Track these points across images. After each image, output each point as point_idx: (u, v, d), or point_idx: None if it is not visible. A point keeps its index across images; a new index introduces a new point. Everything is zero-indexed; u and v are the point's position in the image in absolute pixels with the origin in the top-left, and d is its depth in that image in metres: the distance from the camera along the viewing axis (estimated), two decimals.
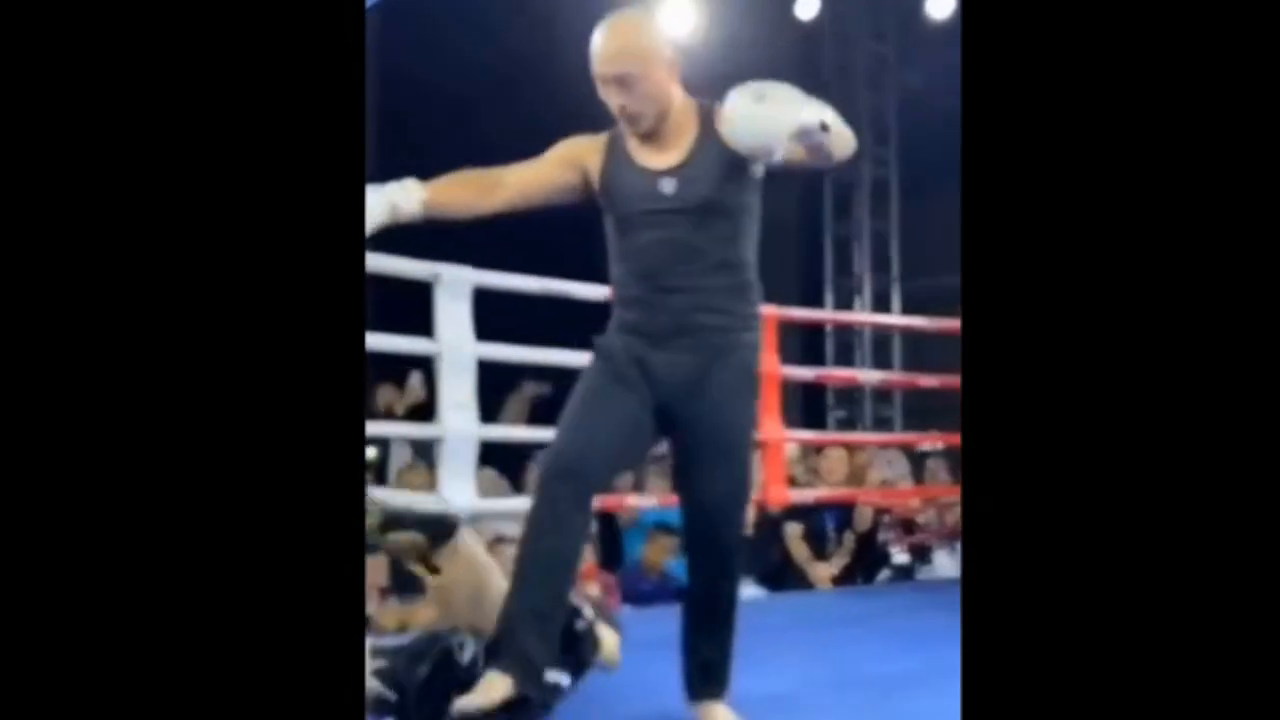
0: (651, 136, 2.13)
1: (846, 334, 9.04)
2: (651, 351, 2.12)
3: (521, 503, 4.71)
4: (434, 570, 2.27)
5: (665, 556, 5.12)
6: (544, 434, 4.86)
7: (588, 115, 2.23)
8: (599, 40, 2.08)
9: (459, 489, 3.60)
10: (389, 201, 2.03)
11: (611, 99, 2.10)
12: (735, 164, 2.06)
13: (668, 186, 2.10)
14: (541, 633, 2.01)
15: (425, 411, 5.16)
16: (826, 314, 8.63)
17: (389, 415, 5.24)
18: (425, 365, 3.82)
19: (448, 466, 3.62)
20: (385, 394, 5.44)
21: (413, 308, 3.80)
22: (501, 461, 5.26)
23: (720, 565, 2.16)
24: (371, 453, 5.35)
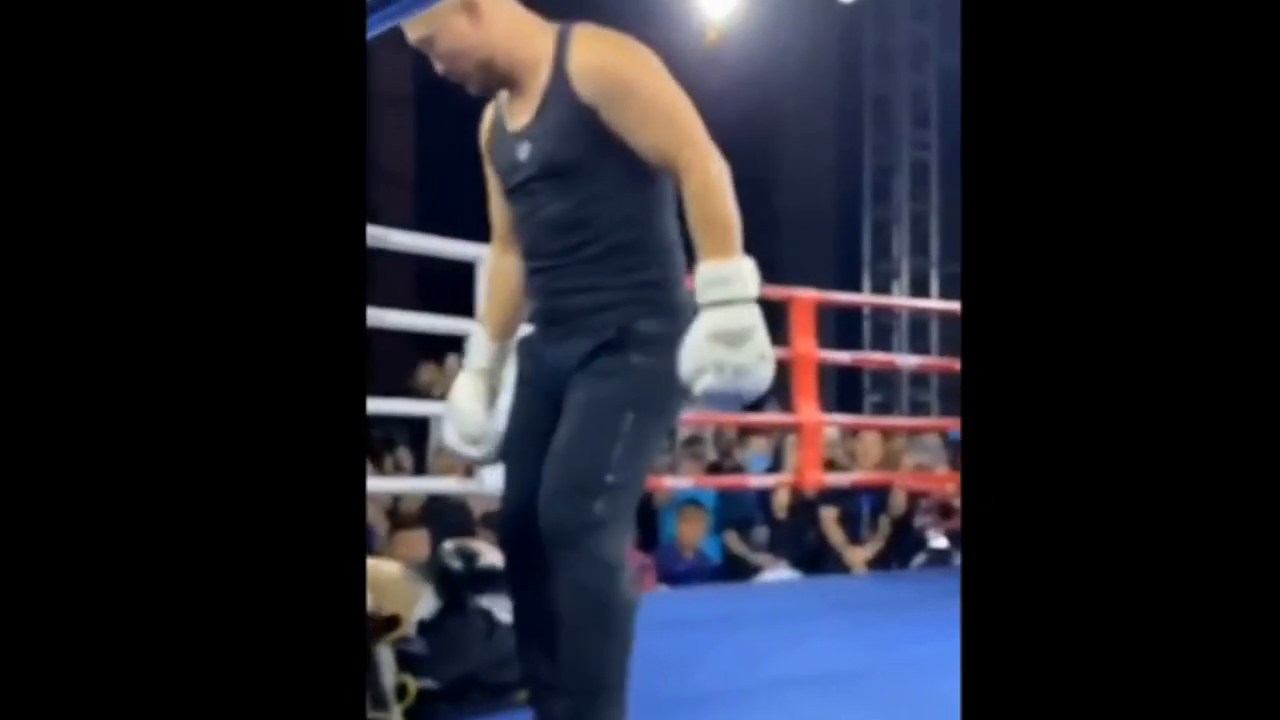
0: (512, 92, 1.78)
1: (884, 318, 9.03)
2: (544, 346, 1.81)
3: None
4: None
5: (698, 532, 5.17)
6: None
7: None
8: None
9: (497, 469, 3.65)
10: (475, 370, 1.93)
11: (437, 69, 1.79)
12: (585, 112, 1.70)
13: (523, 151, 1.75)
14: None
15: None
16: (864, 297, 8.61)
17: (429, 395, 5.31)
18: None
19: None
20: (428, 373, 5.52)
21: (458, 288, 3.85)
22: None
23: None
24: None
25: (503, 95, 1.80)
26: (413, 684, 2.22)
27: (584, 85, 1.69)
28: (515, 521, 1.78)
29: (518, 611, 1.82)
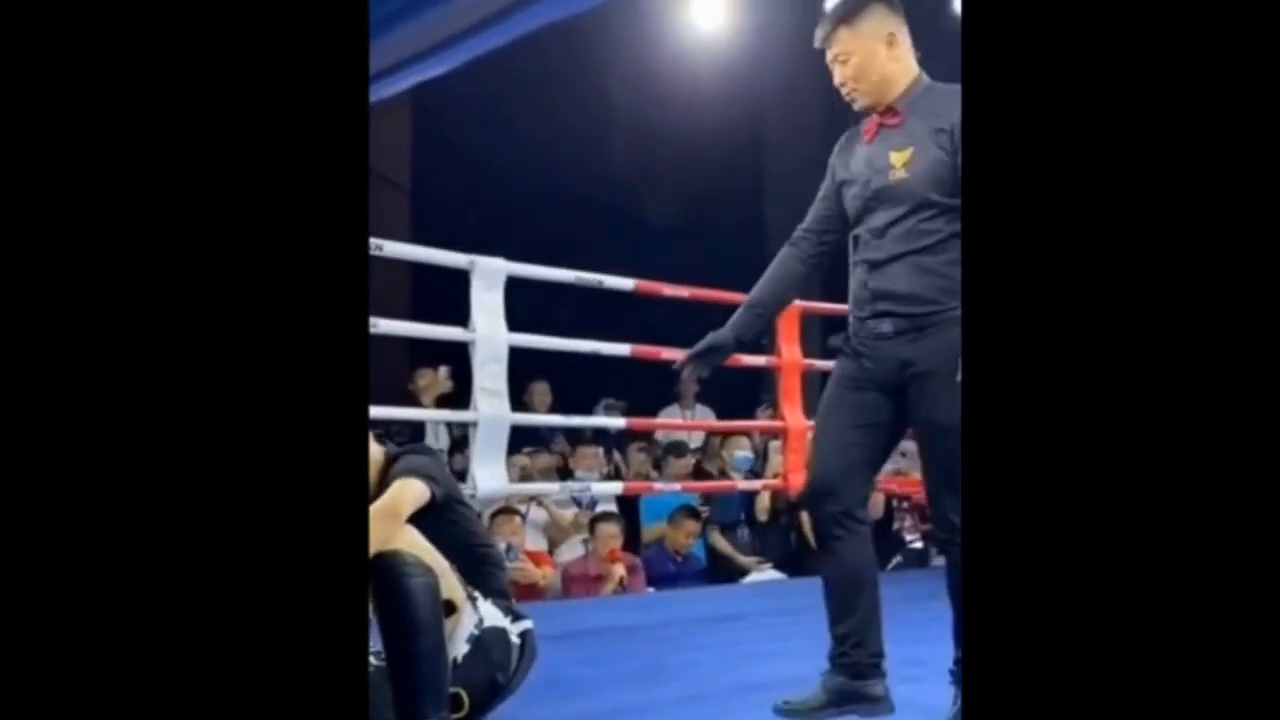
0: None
1: None
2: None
3: (546, 487, 4.88)
4: None
5: (689, 539, 5.27)
6: (572, 421, 5.05)
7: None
8: None
9: (491, 473, 3.76)
10: None
11: None
12: None
13: None
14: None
15: (452, 401, 5.36)
16: (848, 307, 8.69)
17: (422, 401, 5.45)
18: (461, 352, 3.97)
19: (480, 451, 3.77)
20: (424, 378, 5.64)
21: (452, 297, 3.95)
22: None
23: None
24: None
25: None
26: (465, 696, 2.17)
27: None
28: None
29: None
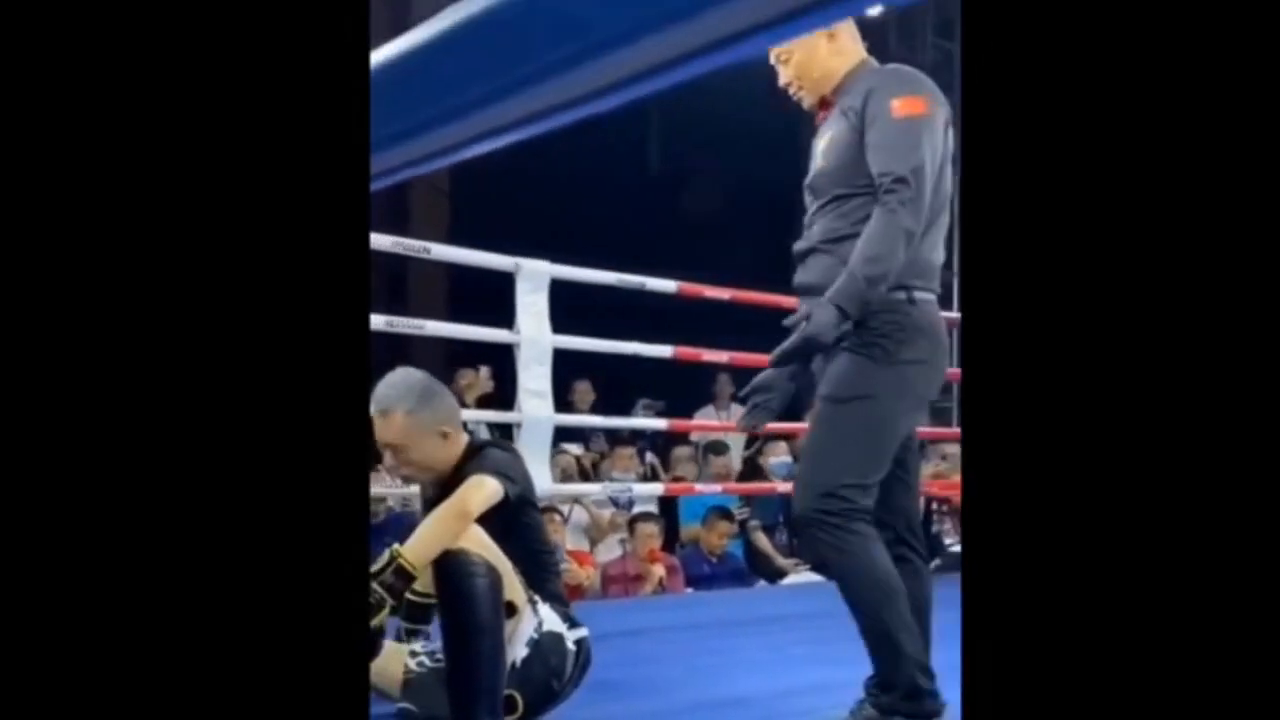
0: None
1: None
2: None
3: (588, 488, 4.92)
4: None
5: (723, 540, 5.29)
6: (613, 422, 5.09)
7: None
8: None
9: (535, 472, 3.80)
10: None
11: None
12: None
13: None
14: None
15: (492, 401, 5.42)
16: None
17: (465, 401, 5.50)
18: (505, 354, 4.01)
19: (525, 451, 3.81)
20: (466, 378, 5.70)
21: (490, 297, 3.99)
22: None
23: None
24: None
25: None
26: (520, 698, 2.20)
27: None
28: None
29: None
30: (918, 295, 2.16)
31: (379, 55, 0.72)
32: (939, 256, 2.24)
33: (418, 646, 2.43)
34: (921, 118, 2.11)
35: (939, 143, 2.15)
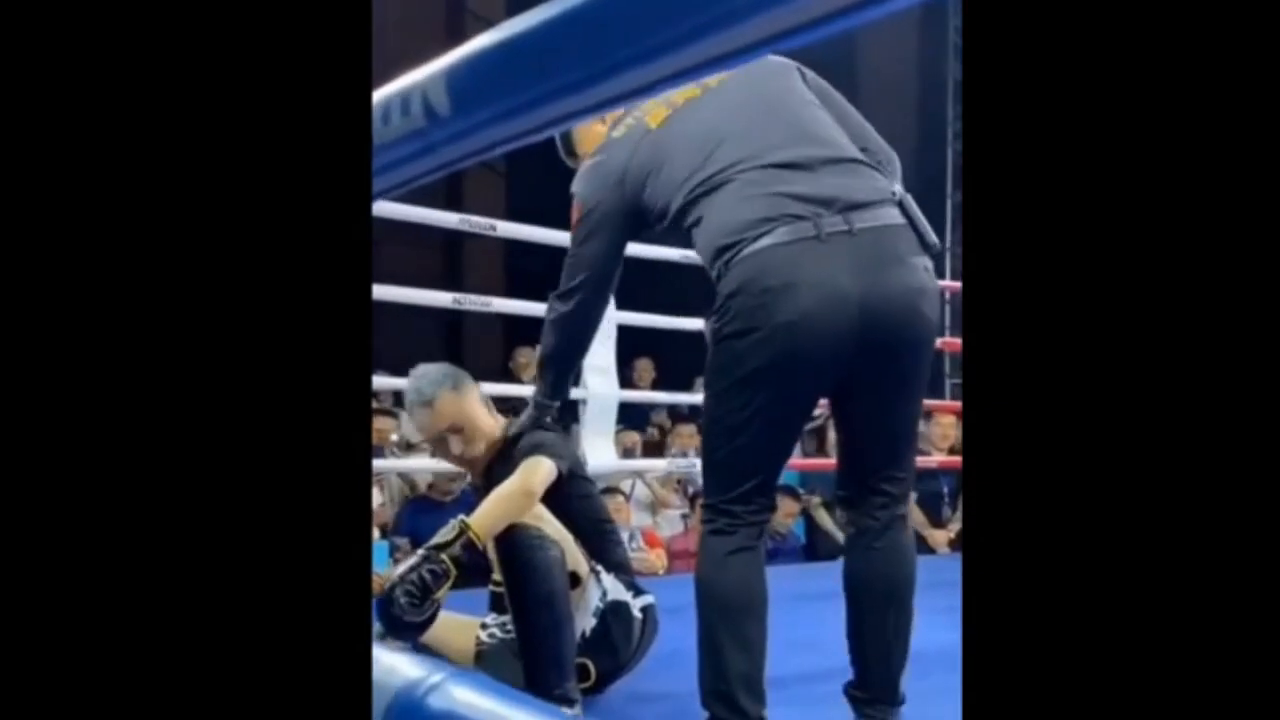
0: None
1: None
2: None
3: (653, 463, 4.94)
4: None
5: (788, 519, 5.29)
6: (680, 398, 5.09)
7: None
8: None
9: (600, 448, 3.82)
10: None
11: None
12: None
13: None
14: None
15: None
16: (946, 282, 8.60)
17: (522, 378, 5.54)
18: None
19: (590, 427, 3.83)
20: (524, 356, 5.74)
21: (543, 274, 4.00)
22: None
23: None
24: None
25: None
26: (593, 667, 2.24)
27: None
28: None
29: None
30: (738, 254, 1.82)
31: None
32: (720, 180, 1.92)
33: (489, 619, 2.48)
34: (577, 226, 2.14)
35: (612, 168, 2.05)
